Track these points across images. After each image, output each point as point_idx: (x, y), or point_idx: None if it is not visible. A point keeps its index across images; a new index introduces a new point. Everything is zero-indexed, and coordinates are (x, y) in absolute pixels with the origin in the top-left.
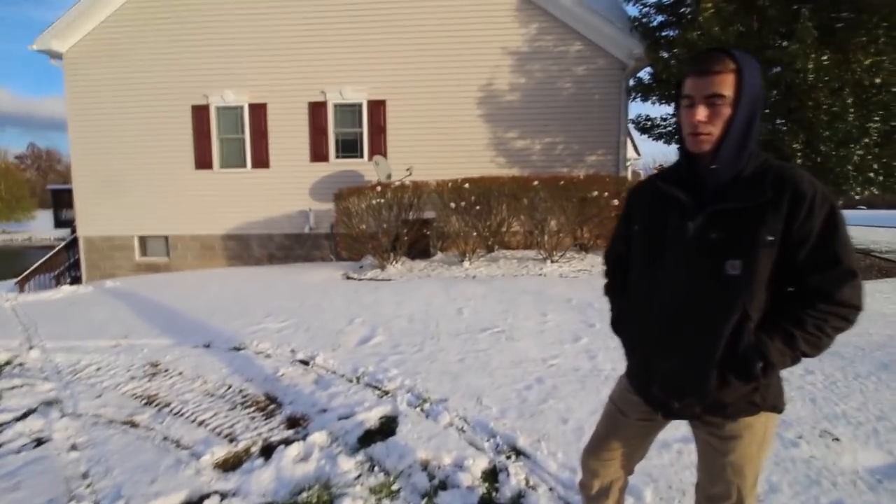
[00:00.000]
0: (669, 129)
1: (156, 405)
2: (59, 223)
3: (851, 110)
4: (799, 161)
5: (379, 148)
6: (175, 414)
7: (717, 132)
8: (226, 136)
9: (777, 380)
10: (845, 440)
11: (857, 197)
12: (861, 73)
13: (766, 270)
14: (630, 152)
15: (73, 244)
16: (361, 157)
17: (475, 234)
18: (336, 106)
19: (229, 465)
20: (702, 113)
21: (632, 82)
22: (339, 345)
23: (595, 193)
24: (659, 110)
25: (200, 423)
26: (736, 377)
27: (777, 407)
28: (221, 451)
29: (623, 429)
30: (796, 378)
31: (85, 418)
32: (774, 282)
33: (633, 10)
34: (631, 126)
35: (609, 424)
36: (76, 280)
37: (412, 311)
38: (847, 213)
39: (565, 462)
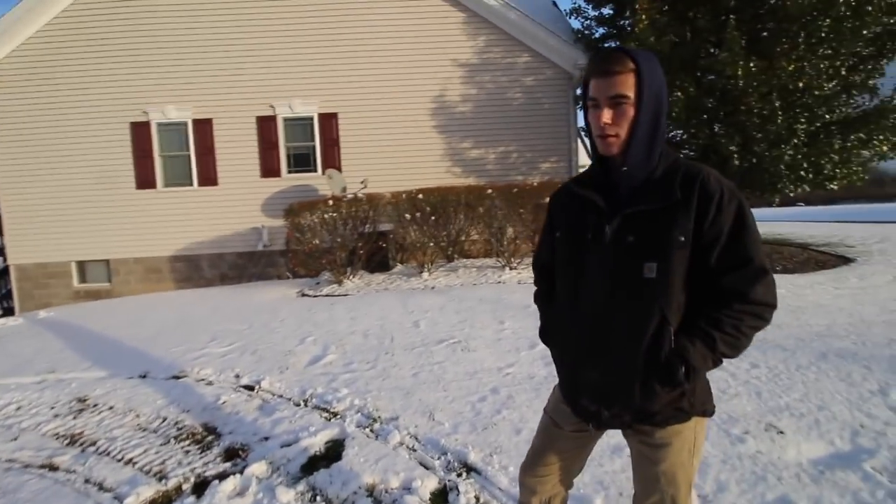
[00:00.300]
0: None
1: (80, 444)
2: None
3: (780, 113)
4: (736, 162)
5: (333, 161)
6: (100, 453)
7: (624, 133)
8: (169, 154)
9: (704, 383)
10: (789, 433)
11: (791, 194)
12: (786, 78)
13: (681, 272)
14: (584, 159)
15: (3, 273)
16: (315, 171)
17: (433, 244)
18: (286, 120)
19: None
20: (607, 115)
21: (580, 91)
22: (287, 366)
23: (548, 199)
24: None
25: (128, 462)
26: (660, 384)
27: (706, 411)
28: (148, 492)
29: (558, 441)
30: (742, 373)
31: None
32: (690, 283)
33: (576, 23)
34: (582, 133)
35: (544, 438)
36: (8, 311)
37: (367, 326)
38: (785, 210)
39: (517, 475)
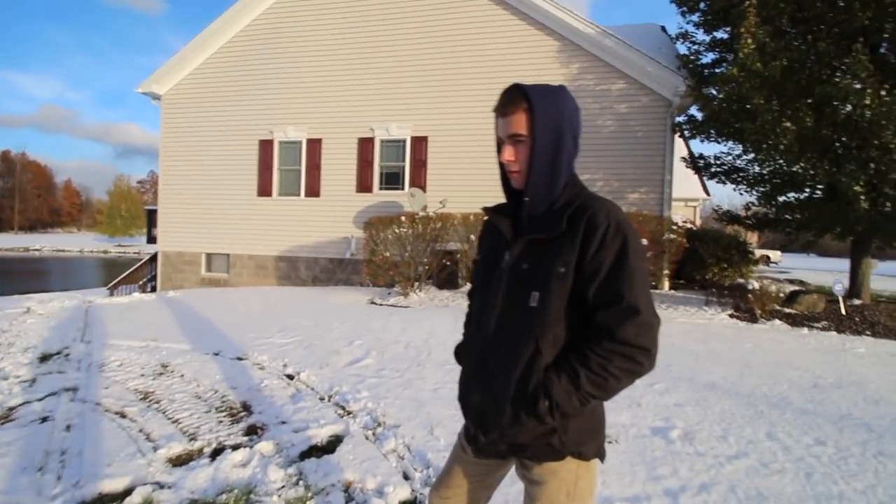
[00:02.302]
0: (725, 167)
1: (148, 401)
2: (150, 239)
3: None
4: (864, 206)
5: (419, 181)
6: (159, 410)
7: (524, 168)
8: (285, 168)
9: (584, 423)
10: None
11: None
12: None
13: (560, 304)
14: (698, 192)
15: (154, 259)
16: (403, 188)
17: None
18: (383, 141)
19: (179, 461)
20: (508, 152)
21: (682, 119)
22: (328, 363)
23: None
24: (714, 148)
25: (174, 421)
26: (525, 414)
27: (582, 453)
28: (178, 448)
29: (464, 465)
30: (799, 447)
31: (88, 404)
32: (570, 317)
33: (682, 48)
34: (681, 164)
35: (452, 458)
36: (153, 290)
37: (413, 338)
38: None
39: None
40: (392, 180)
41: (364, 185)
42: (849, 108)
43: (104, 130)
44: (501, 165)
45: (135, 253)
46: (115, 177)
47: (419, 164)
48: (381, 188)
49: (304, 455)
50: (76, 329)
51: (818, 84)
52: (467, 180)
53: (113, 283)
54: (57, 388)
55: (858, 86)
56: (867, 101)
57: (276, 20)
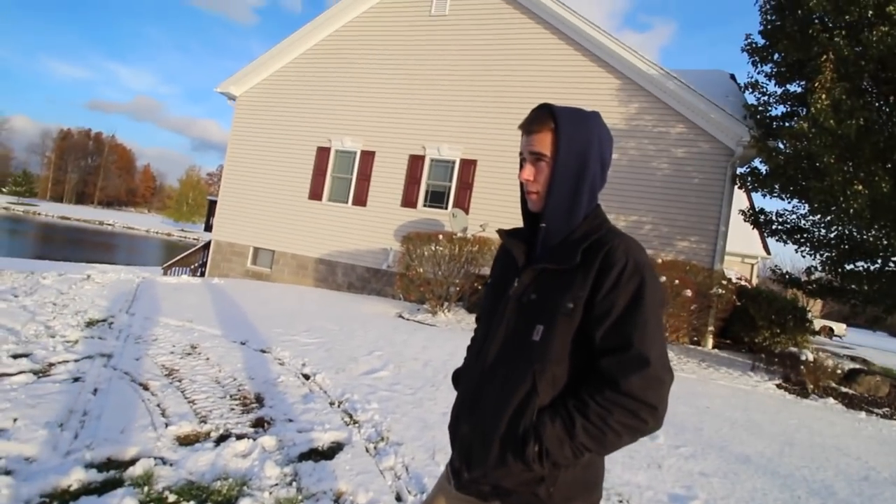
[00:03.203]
0: (788, 226)
1: (171, 377)
2: (208, 228)
3: None
4: None
5: (463, 202)
6: (179, 389)
7: (543, 190)
8: (338, 175)
9: (576, 477)
10: None
11: None
12: None
13: (564, 342)
14: (757, 249)
15: (207, 246)
16: (446, 208)
17: None
18: (433, 160)
19: (186, 441)
20: (528, 171)
21: (745, 170)
22: (345, 369)
23: (663, 279)
24: (777, 205)
25: (191, 402)
26: (512, 456)
27: None
28: (187, 428)
29: (446, 497)
30: None
31: (118, 372)
32: (573, 359)
33: (751, 98)
34: (740, 217)
35: (436, 488)
36: (202, 275)
37: (432, 357)
38: None
39: None
40: (437, 199)
41: (409, 201)
42: None
43: (186, 123)
44: (521, 186)
45: (194, 238)
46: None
47: (465, 186)
48: (425, 205)
49: (303, 457)
50: (125, 301)
51: None
52: (510, 207)
53: (168, 263)
54: (94, 352)
55: None
56: None
57: (345, 40)
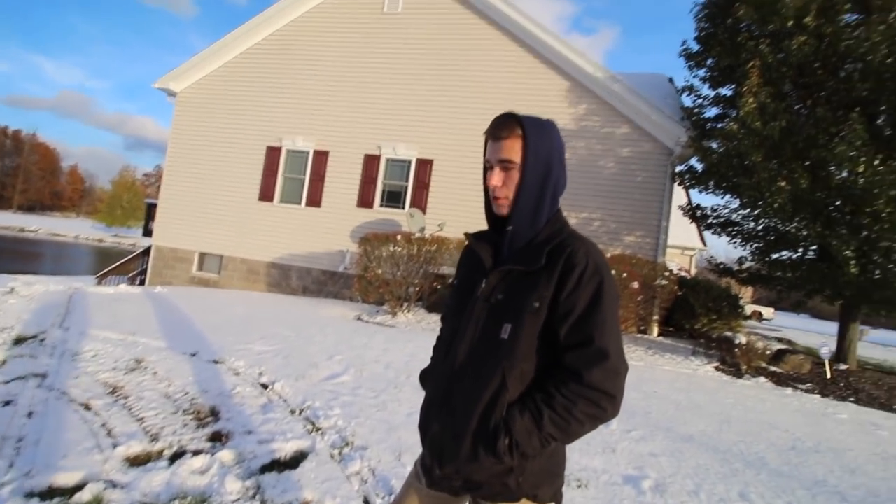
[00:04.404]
0: (722, 220)
1: (116, 395)
2: (147, 233)
3: None
4: (853, 270)
5: (420, 202)
6: (125, 406)
7: (512, 195)
8: (290, 176)
9: (542, 465)
10: None
11: None
12: None
13: (530, 339)
14: (695, 242)
15: (147, 252)
16: (403, 208)
17: None
18: (388, 160)
19: (137, 461)
20: (497, 177)
21: (683, 168)
22: (304, 376)
23: (613, 272)
24: (712, 200)
25: (139, 419)
26: (483, 450)
27: (537, 496)
28: (137, 448)
29: (416, 495)
30: None
31: (55, 392)
32: (538, 355)
33: (687, 101)
34: (679, 212)
35: (405, 486)
36: (142, 283)
37: (394, 358)
38: None
39: None
40: (393, 199)
41: (365, 201)
42: (843, 174)
43: (119, 121)
44: (486, 190)
45: (129, 245)
46: (122, 167)
47: (422, 186)
48: (381, 205)
49: (266, 468)
50: (56, 314)
51: (814, 148)
52: (467, 206)
53: (103, 272)
54: (26, 372)
55: (853, 153)
56: (861, 169)
57: (294, 35)
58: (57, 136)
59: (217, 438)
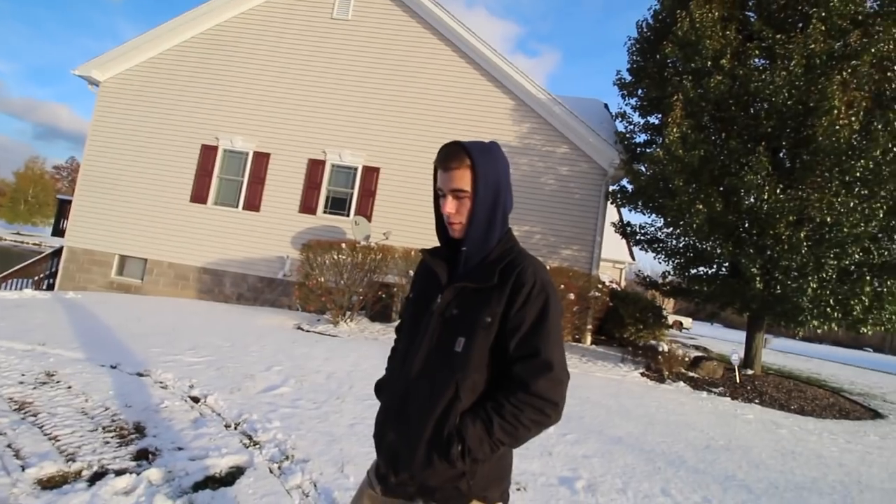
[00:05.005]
0: (648, 237)
1: (24, 412)
2: (57, 232)
3: (806, 245)
4: (759, 286)
5: (365, 210)
6: (36, 424)
7: (465, 221)
8: (226, 177)
9: (491, 469)
10: None
11: (818, 331)
12: (815, 212)
13: (482, 353)
14: (625, 256)
15: (58, 253)
16: (348, 215)
17: None
18: (334, 166)
19: (51, 484)
20: (451, 205)
21: (616, 188)
22: (240, 388)
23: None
24: (640, 219)
25: (52, 438)
26: (438, 457)
27: (488, 498)
28: (51, 469)
29: (371, 502)
30: (682, 498)
31: None
32: (489, 366)
33: (620, 126)
34: (612, 228)
35: (358, 495)
36: (50, 288)
37: (336, 369)
38: (850, 353)
39: None
40: (338, 205)
41: (308, 207)
42: (751, 200)
43: (28, 106)
44: (438, 213)
45: (35, 244)
46: (28, 157)
47: (367, 194)
48: (325, 212)
49: (199, 486)
50: None
51: (728, 175)
52: (413, 216)
53: (2, 274)
54: None
55: (759, 182)
56: (765, 196)
57: (237, 31)
58: None
59: (143, 456)
